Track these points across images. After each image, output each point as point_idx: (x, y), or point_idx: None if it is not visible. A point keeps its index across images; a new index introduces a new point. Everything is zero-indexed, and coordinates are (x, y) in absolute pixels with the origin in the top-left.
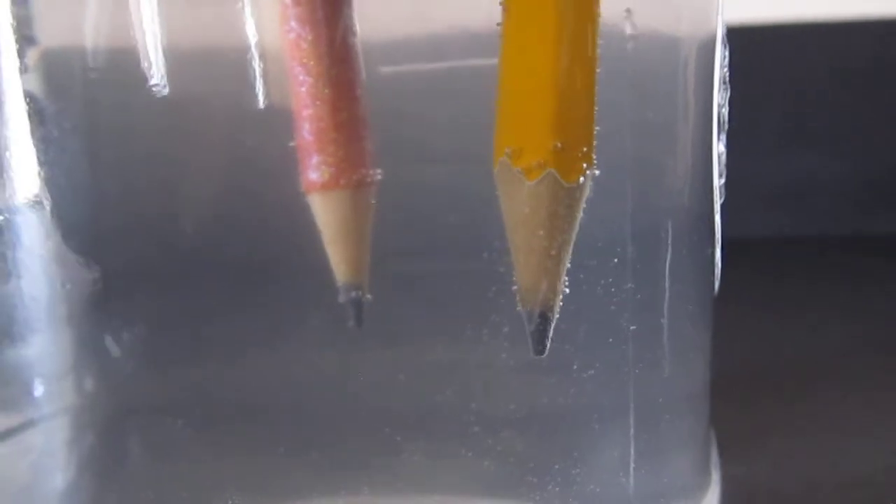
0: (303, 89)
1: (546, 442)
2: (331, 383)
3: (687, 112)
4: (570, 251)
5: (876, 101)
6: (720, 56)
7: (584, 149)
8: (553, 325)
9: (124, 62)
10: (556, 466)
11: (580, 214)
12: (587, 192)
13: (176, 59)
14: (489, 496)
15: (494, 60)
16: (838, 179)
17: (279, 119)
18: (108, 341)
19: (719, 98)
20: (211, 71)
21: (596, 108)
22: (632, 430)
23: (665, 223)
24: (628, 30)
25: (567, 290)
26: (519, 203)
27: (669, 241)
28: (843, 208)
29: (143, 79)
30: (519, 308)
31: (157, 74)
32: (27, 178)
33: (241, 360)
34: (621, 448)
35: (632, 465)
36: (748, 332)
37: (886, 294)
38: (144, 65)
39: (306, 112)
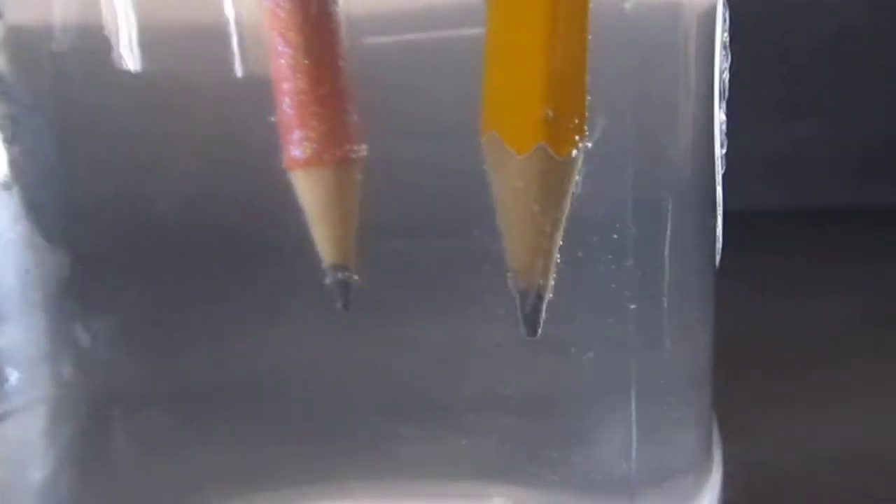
0: (282, 61)
1: (546, 424)
2: (320, 368)
3: (688, 80)
4: (562, 228)
5: (874, 71)
6: (721, 20)
7: (576, 120)
8: (545, 305)
9: (93, 38)
10: (556, 449)
11: (572, 189)
12: (579, 166)
13: (148, 34)
14: (488, 480)
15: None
16: (836, 150)
17: (258, 94)
18: (79, 330)
19: (721, 64)
20: (185, 45)
21: (588, 78)
22: (633, 410)
23: (666, 196)
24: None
25: (566, 267)
26: (509, 178)
27: (670, 214)
28: (841, 179)
29: (112, 55)
30: (511, 288)
31: (128, 50)
32: None
33: (225, 345)
34: (623, 429)
35: (634, 445)
36: (745, 308)
37: (885, 267)
38: (113, 39)
39: (286, 85)
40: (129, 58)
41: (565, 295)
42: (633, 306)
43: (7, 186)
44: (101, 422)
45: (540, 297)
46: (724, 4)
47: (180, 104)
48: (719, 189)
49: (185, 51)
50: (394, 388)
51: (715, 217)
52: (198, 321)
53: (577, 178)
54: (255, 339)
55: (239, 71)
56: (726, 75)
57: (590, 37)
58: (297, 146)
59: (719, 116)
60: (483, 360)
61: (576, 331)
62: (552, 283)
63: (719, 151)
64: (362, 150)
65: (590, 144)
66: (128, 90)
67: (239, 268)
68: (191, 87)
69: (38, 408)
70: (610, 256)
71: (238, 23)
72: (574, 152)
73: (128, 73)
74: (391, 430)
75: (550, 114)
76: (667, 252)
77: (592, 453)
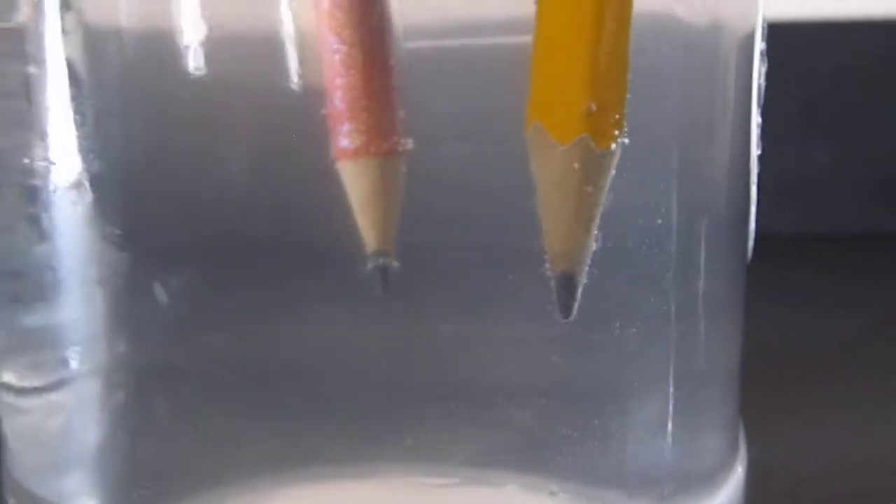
0: (336, 58)
1: (576, 415)
2: (360, 352)
3: (727, 84)
4: (599, 217)
5: (886, 99)
6: (760, 31)
7: (617, 116)
8: (580, 289)
9: (160, 39)
10: (591, 437)
11: (609, 181)
12: (617, 160)
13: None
14: (512, 468)
15: (527, 38)
16: (850, 177)
17: (310, 93)
18: (132, 309)
19: (758, 71)
20: (244, 47)
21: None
22: (671, 399)
23: (707, 188)
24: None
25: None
26: (550, 167)
27: (708, 206)
28: (855, 206)
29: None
30: (547, 272)
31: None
32: (63, 141)
33: (264, 326)
34: (659, 416)
35: (669, 433)
36: (764, 323)
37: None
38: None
39: (338, 80)
40: (193, 61)
41: (603, 284)
42: (672, 291)
43: (77, 185)
44: (149, 393)
45: (573, 281)
46: (762, 31)
47: (235, 98)
48: (754, 187)
49: (244, 53)
50: (422, 375)
51: (748, 211)
52: (241, 303)
53: (613, 171)
54: (294, 321)
55: (293, 72)
56: (763, 81)
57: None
58: (346, 137)
59: (756, 118)
60: (520, 354)
61: (614, 321)
62: (586, 269)
63: (755, 151)
64: (408, 143)
65: (627, 140)
66: (191, 91)
67: (276, 258)
68: (247, 86)
69: (93, 377)
70: (654, 240)
71: (294, 28)
72: (613, 146)
73: (191, 75)
74: (417, 415)
75: (593, 107)
76: (703, 240)
77: (628, 439)
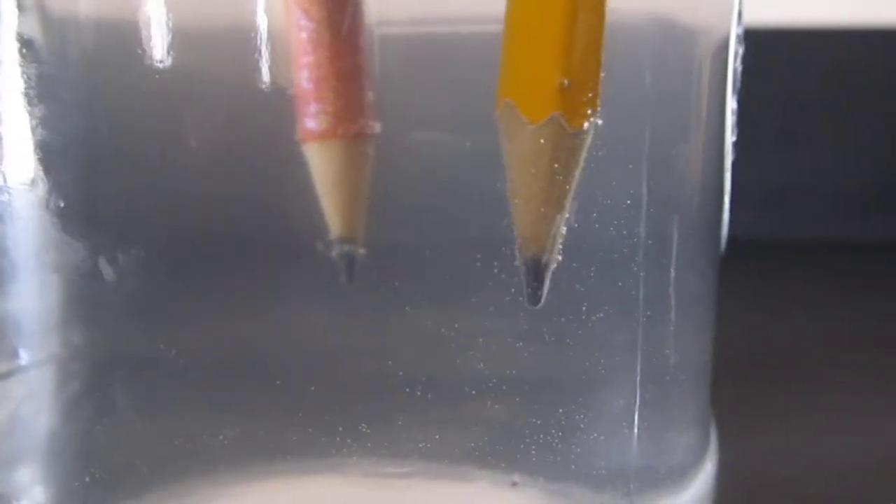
0: (303, 35)
1: (546, 408)
2: (323, 343)
3: (702, 68)
4: (570, 200)
5: (869, 106)
6: (736, 16)
7: (590, 94)
8: (549, 275)
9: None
10: (556, 434)
11: (581, 163)
12: (589, 141)
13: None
14: (477, 461)
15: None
16: (830, 184)
17: (277, 78)
18: (90, 298)
19: (734, 54)
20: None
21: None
22: (638, 392)
23: (679, 170)
24: None
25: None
26: (521, 147)
27: (682, 188)
28: (834, 212)
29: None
30: (517, 258)
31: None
32: (17, 124)
33: (226, 318)
34: (626, 409)
35: (636, 427)
36: (740, 328)
37: (876, 295)
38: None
39: (306, 59)
40: (155, 52)
41: (580, 262)
42: (642, 274)
43: (32, 169)
44: (105, 383)
45: (544, 267)
46: (738, 37)
47: (198, 91)
48: (728, 174)
49: (204, 45)
50: (397, 367)
51: (722, 198)
52: (203, 294)
53: (585, 152)
54: (258, 313)
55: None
56: (739, 66)
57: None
58: (312, 119)
59: (731, 103)
60: (485, 345)
61: (580, 311)
62: (558, 255)
63: (730, 137)
64: (376, 126)
65: (600, 121)
66: (154, 75)
67: (239, 247)
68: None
69: (46, 368)
70: (623, 221)
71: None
72: (586, 125)
73: (154, 59)
74: (391, 409)
75: (566, 83)
76: (675, 225)
77: (596, 427)
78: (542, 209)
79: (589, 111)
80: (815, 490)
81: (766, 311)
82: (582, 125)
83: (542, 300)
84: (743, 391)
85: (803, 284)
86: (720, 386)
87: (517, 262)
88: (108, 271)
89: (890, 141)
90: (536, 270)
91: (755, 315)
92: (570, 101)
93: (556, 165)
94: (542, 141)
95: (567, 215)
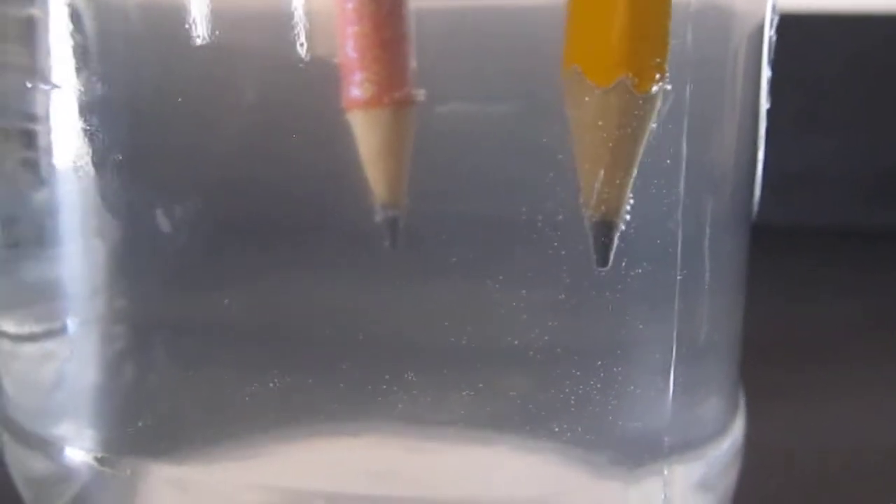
0: (349, 5)
1: (587, 357)
2: (349, 310)
3: (741, 41)
4: (636, 164)
5: (891, 91)
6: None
7: (658, 59)
8: (616, 237)
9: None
10: (597, 381)
11: (650, 127)
12: (658, 106)
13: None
14: (508, 429)
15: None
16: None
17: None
18: (131, 263)
19: (769, 21)
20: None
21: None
22: (675, 342)
23: (717, 131)
24: None
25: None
26: (587, 112)
27: (719, 149)
28: (854, 198)
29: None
30: (585, 220)
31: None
32: (66, 87)
33: (264, 282)
34: (661, 377)
35: (670, 394)
36: (762, 311)
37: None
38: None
39: (351, 29)
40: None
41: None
42: (678, 252)
43: (79, 132)
44: (146, 345)
45: (613, 229)
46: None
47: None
48: (762, 143)
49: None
50: (414, 335)
51: (755, 166)
52: (241, 258)
53: (654, 117)
54: (285, 279)
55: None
56: (774, 37)
57: None
58: (357, 87)
59: (766, 71)
60: (528, 298)
61: (622, 264)
62: (626, 216)
63: (764, 105)
64: (420, 94)
65: (669, 87)
66: (201, 35)
67: (279, 212)
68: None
69: (90, 328)
70: (663, 181)
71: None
72: (654, 89)
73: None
74: (405, 374)
75: (634, 49)
76: (712, 188)
77: (628, 394)
78: (611, 172)
79: (657, 75)
80: (835, 461)
81: (786, 295)
82: (649, 89)
83: (611, 261)
84: (766, 371)
85: (825, 269)
86: (744, 365)
87: (585, 223)
88: (164, 223)
89: None
90: (605, 232)
91: (776, 298)
92: (638, 66)
93: (623, 130)
94: (609, 105)
95: (633, 177)
